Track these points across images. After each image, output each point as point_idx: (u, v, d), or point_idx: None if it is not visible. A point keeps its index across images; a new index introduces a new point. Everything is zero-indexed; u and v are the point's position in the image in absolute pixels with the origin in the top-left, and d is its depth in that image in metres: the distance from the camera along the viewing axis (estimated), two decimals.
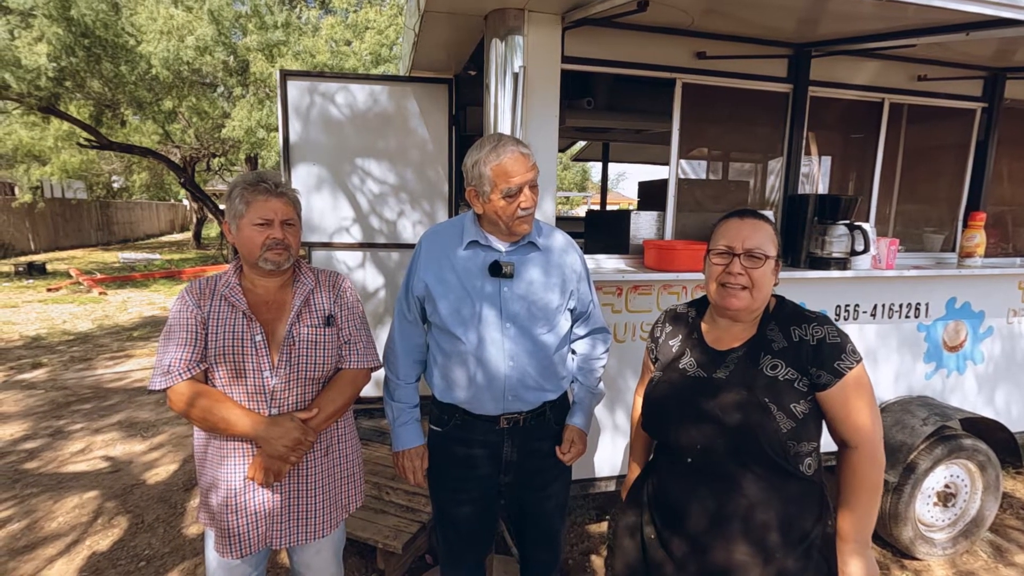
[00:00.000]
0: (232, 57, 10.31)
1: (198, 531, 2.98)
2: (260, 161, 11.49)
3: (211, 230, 23.49)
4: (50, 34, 8.87)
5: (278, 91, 3.15)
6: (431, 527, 2.76)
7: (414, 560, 2.70)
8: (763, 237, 1.31)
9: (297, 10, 11.06)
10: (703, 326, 1.43)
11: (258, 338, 1.55)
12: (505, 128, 2.26)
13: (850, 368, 1.23)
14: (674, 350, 1.45)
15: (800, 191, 2.66)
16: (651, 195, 2.92)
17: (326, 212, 3.34)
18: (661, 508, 1.41)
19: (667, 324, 1.52)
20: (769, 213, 2.50)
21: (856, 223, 2.47)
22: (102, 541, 2.89)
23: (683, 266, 2.33)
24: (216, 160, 15.02)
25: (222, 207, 14.99)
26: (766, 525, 1.25)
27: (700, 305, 1.49)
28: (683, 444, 1.34)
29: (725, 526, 1.27)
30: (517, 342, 1.61)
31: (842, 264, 2.49)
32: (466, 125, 3.43)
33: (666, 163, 2.64)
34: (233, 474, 1.55)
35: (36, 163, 15.25)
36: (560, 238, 1.72)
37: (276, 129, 10.26)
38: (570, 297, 1.68)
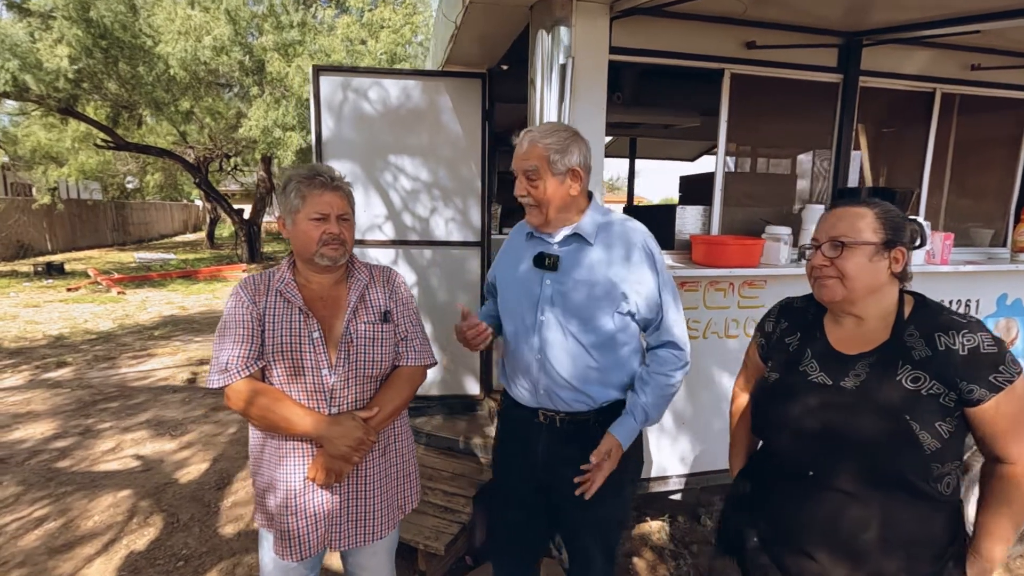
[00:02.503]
0: (248, 57, 10.33)
1: (234, 530, 2.96)
2: (276, 161, 11.50)
3: (223, 230, 23.64)
4: (70, 36, 8.93)
5: (311, 86, 3.12)
6: (470, 527, 2.72)
7: (454, 561, 2.66)
8: (851, 224, 1.21)
9: (312, 9, 11.05)
10: (826, 324, 1.32)
11: (315, 335, 1.52)
12: (552, 120, 2.21)
13: (1010, 381, 1.10)
14: (791, 349, 1.34)
15: (849, 184, 2.59)
16: (693, 190, 2.86)
17: (358, 209, 3.29)
18: (770, 518, 1.34)
19: (782, 319, 1.42)
20: (819, 207, 2.43)
21: (912, 217, 2.39)
22: (139, 540, 2.87)
23: (734, 262, 2.27)
24: (232, 160, 15.06)
25: (237, 207, 15.10)
26: (896, 547, 1.17)
27: (818, 301, 1.34)
28: (803, 457, 1.25)
29: (848, 546, 1.19)
30: (549, 337, 1.57)
31: None
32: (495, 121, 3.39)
33: (688, 159, 2.58)
34: (293, 475, 1.51)
35: (53, 164, 15.41)
36: (625, 234, 1.58)
37: (292, 128, 10.27)
38: (623, 299, 1.53)
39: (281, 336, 1.50)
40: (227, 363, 1.47)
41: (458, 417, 3.48)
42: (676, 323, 1.59)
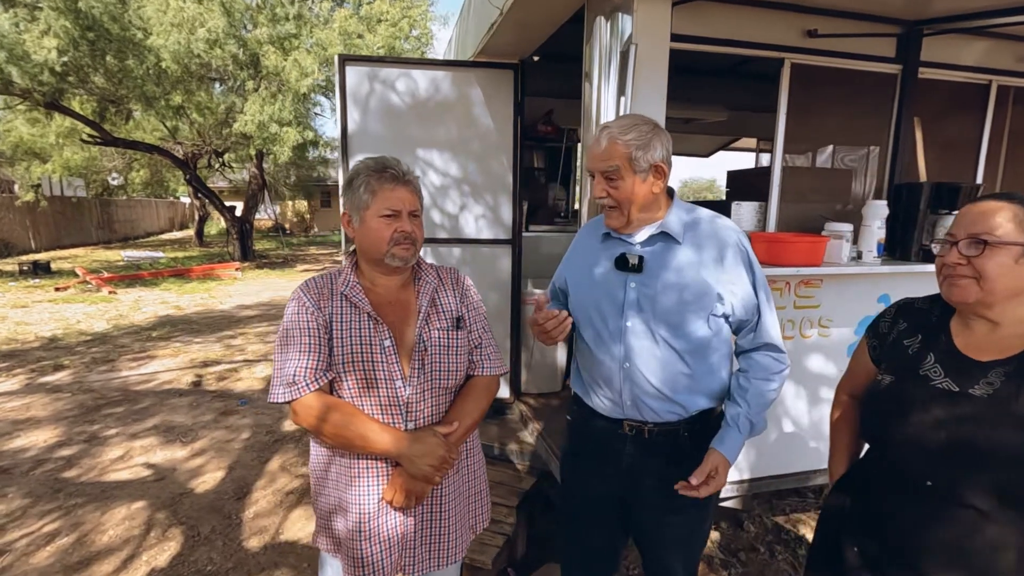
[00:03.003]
0: (243, 50, 10.08)
1: (260, 544, 2.82)
2: (272, 157, 11.26)
3: (212, 228, 23.23)
4: (57, 27, 8.62)
5: (336, 77, 2.97)
6: (512, 538, 2.61)
7: (499, 574, 2.54)
8: (994, 219, 1.10)
9: (309, 2, 10.80)
10: (952, 327, 1.22)
11: (387, 343, 1.39)
12: (610, 115, 2.10)
13: None
14: (911, 352, 1.24)
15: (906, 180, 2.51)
16: (742, 185, 2.77)
17: None
18: (879, 534, 1.24)
19: (900, 320, 1.31)
20: (881, 203, 2.34)
21: None
22: (159, 556, 2.72)
23: (798, 260, 2.18)
24: (227, 155, 14.74)
25: (228, 204, 14.81)
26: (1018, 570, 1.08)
27: (944, 302, 1.24)
28: (919, 465, 1.16)
29: (979, 571, 1.10)
30: (637, 343, 1.46)
31: None
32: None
33: (703, 155, 2.48)
34: (366, 496, 1.39)
35: (36, 160, 14.97)
36: (716, 232, 1.47)
37: (289, 124, 10.06)
38: (717, 301, 1.43)
39: (351, 345, 1.37)
40: (294, 375, 1.34)
41: (488, 421, 3.36)
42: (773, 324, 1.50)
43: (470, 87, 3.09)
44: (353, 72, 2.99)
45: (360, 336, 1.38)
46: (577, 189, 5.07)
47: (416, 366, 1.40)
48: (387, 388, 1.38)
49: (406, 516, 1.42)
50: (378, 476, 1.39)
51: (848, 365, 1.47)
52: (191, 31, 9.22)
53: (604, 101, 2.10)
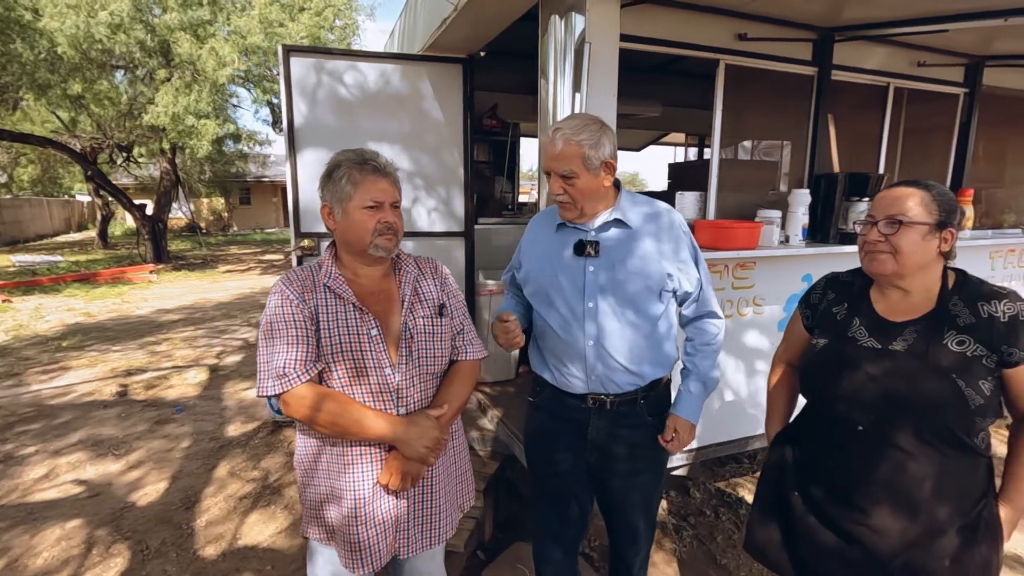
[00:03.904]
0: (151, 36, 9.38)
1: (217, 551, 2.72)
2: (188, 151, 10.55)
3: (117, 228, 21.45)
4: None
5: (280, 67, 2.89)
6: (481, 522, 2.68)
7: (469, 557, 2.61)
8: (906, 204, 1.29)
9: None
10: (872, 295, 1.41)
11: (373, 332, 1.42)
12: (566, 110, 2.20)
13: None
14: (839, 318, 1.43)
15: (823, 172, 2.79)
16: (682, 177, 2.97)
17: None
18: (823, 479, 1.42)
19: (829, 291, 1.50)
20: (805, 192, 2.61)
21: None
22: (106, 573, 2.57)
23: (739, 244, 2.38)
24: (136, 150, 13.63)
25: (138, 202, 13.74)
26: (946, 499, 1.27)
27: (864, 274, 1.44)
28: (855, 414, 1.34)
29: (907, 501, 1.28)
30: (600, 322, 1.59)
31: None
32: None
33: (634, 149, 2.66)
34: (361, 482, 1.41)
35: None
36: (660, 216, 1.63)
37: (208, 116, 9.48)
38: (668, 279, 1.58)
39: (339, 335, 1.39)
40: (284, 367, 1.34)
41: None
42: (712, 294, 1.70)
43: (420, 80, 3.10)
44: (298, 63, 2.92)
45: (347, 326, 1.40)
46: (537, 184, 5.18)
47: (404, 353, 1.44)
48: (377, 376, 1.41)
49: (399, 499, 1.46)
50: (372, 462, 1.42)
51: (783, 336, 1.66)
52: (91, 14, 8.47)
53: (560, 97, 2.20)
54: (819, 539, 1.42)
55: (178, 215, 20.10)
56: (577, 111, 2.19)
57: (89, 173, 12.50)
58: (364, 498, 1.42)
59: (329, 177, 1.45)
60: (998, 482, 1.37)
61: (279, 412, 4.33)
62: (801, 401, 1.58)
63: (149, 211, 13.63)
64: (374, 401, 1.41)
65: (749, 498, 3.14)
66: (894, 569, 1.32)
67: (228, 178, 19.52)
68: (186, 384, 5.07)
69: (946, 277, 1.36)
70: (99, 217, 17.54)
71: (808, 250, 2.63)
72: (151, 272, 11.64)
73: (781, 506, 1.52)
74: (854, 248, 2.60)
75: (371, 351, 1.41)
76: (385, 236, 1.43)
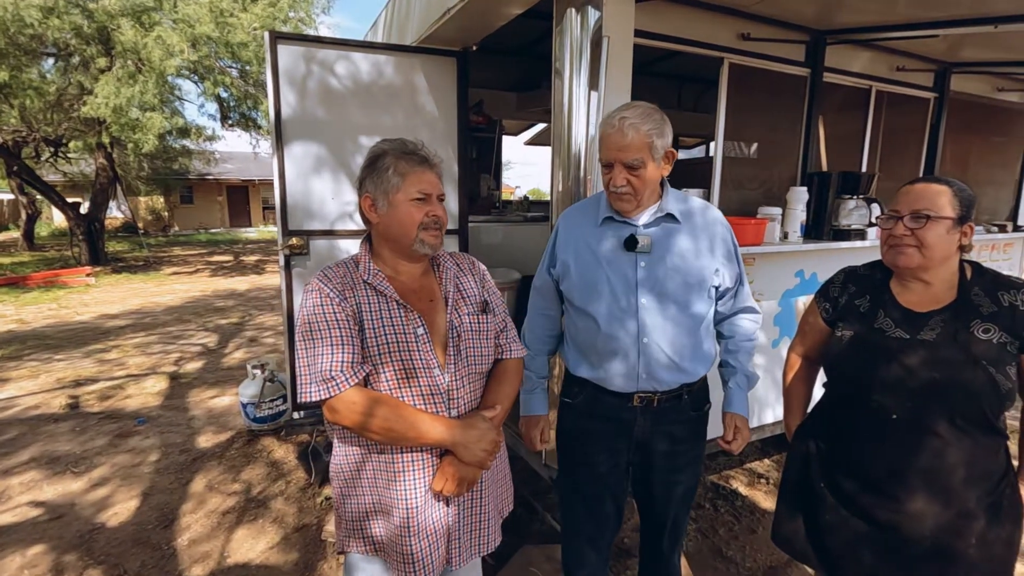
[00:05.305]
0: (88, 22, 8.75)
1: (204, 571, 2.54)
2: (134, 145, 9.86)
3: (43, 228, 19.93)
4: None
5: (267, 56, 2.73)
6: None
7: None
8: (931, 199, 1.33)
9: None
10: (893, 287, 1.45)
11: (420, 331, 1.34)
12: (582, 107, 2.17)
13: None
14: (862, 310, 1.45)
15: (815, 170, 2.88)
16: (679, 173, 2.97)
17: (327, 197, 2.97)
18: (847, 463, 1.44)
19: (849, 285, 1.52)
20: (803, 189, 2.68)
21: (870, 197, 2.73)
22: None
23: (746, 240, 2.42)
24: (71, 144, 12.66)
25: (71, 200, 12.78)
26: (976, 482, 1.32)
27: (883, 267, 1.49)
28: (890, 402, 1.37)
29: (945, 487, 1.32)
30: (651, 319, 1.56)
31: (861, 235, 2.75)
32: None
33: None
34: (413, 491, 1.33)
35: None
36: (704, 211, 1.64)
37: (154, 108, 8.93)
38: (715, 274, 1.59)
39: (385, 335, 1.31)
40: (330, 370, 1.25)
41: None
42: (749, 290, 1.72)
43: (414, 73, 3.00)
44: (286, 52, 2.77)
45: (392, 325, 1.32)
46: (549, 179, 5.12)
47: (452, 353, 1.37)
48: (426, 377, 1.33)
49: (449, 507, 1.38)
50: (423, 468, 1.34)
51: (798, 329, 1.68)
52: None
53: (576, 93, 2.17)
54: (851, 528, 1.44)
55: (115, 214, 18.89)
56: (595, 108, 2.16)
57: (15, 168, 11.53)
58: (416, 507, 1.33)
59: (372, 167, 1.36)
60: (1014, 463, 1.44)
61: (256, 420, 4.07)
62: (816, 393, 1.62)
63: (84, 210, 12.71)
64: (424, 404, 1.33)
65: (743, 490, 3.21)
66: (924, 551, 1.35)
67: (170, 175, 18.48)
68: (145, 393, 4.74)
69: (963, 269, 1.41)
70: (24, 216, 16.24)
71: (806, 246, 2.70)
72: (88, 275, 10.87)
73: (808, 498, 1.54)
74: (848, 244, 2.71)
75: (419, 351, 1.33)
76: (431, 232, 1.36)
